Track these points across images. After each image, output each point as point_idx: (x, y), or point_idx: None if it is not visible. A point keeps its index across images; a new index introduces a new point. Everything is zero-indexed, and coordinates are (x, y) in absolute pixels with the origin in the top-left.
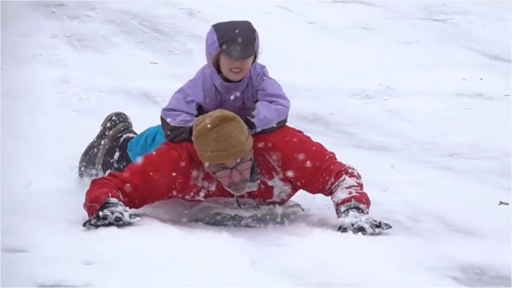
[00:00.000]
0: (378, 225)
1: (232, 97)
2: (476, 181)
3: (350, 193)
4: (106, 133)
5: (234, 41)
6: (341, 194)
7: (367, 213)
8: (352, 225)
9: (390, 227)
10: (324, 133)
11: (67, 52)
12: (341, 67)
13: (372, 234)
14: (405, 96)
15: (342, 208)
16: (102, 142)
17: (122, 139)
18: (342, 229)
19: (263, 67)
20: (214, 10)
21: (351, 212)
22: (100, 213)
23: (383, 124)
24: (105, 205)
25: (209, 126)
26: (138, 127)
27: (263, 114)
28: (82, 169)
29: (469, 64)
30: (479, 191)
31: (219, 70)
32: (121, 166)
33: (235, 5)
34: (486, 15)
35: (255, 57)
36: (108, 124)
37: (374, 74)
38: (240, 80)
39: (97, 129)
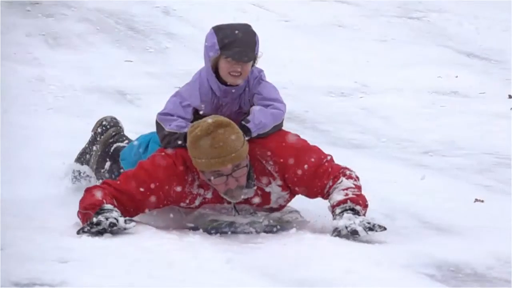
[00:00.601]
0: (372, 228)
1: (229, 101)
2: (451, 178)
3: (347, 194)
4: (98, 138)
5: (235, 44)
6: (337, 196)
7: (364, 214)
8: (346, 227)
9: (385, 229)
10: (299, 131)
11: (42, 50)
12: (316, 65)
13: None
14: (380, 93)
15: (337, 210)
16: (94, 148)
17: (112, 148)
18: (337, 232)
19: (260, 71)
20: (189, 9)
21: (345, 214)
22: (94, 219)
23: (358, 121)
24: (99, 211)
25: (204, 132)
26: None
27: (258, 118)
28: (76, 174)
29: (445, 61)
30: (455, 188)
31: (217, 73)
32: (113, 176)
33: (210, 3)
34: (462, 12)
35: (254, 61)
36: (99, 129)
37: (350, 72)
38: (238, 84)
39: (74, 127)
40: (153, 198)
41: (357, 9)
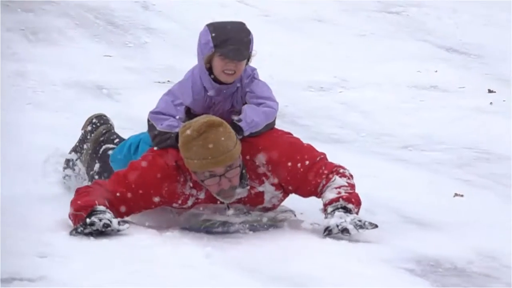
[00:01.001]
0: (362, 225)
1: (221, 99)
2: (431, 173)
3: (339, 193)
4: (88, 136)
5: (230, 42)
6: (330, 194)
7: (357, 213)
8: (337, 226)
9: (376, 226)
10: (279, 125)
11: (22, 45)
12: (296, 59)
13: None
14: (360, 88)
15: (329, 209)
16: (85, 146)
17: (101, 149)
18: (328, 231)
19: (253, 69)
20: (168, 3)
21: (336, 213)
22: (88, 220)
23: (338, 116)
24: (92, 212)
25: (195, 133)
26: None
27: (250, 117)
28: (66, 171)
29: (424, 56)
30: (434, 183)
31: (210, 71)
32: (102, 178)
33: None
34: (441, 7)
35: (247, 60)
36: (89, 128)
37: (329, 66)
38: (231, 82)
39: (53, 122)
40: (144, 199)
41: (337, 4)
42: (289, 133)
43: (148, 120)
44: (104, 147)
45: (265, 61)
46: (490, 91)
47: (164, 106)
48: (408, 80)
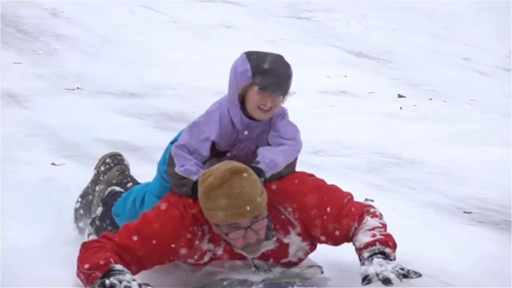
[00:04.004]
0: (406, 274)
1: (248, 137)
2: (341, 178)
3: (374, 235)
4: (101, 177)
5: (270, 73)
6: (364, 237)
7: (394, 258)
8: (377, 275)
9: (420, 275)
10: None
11: None
12: (205, 65)
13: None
14: None
15: (366, 254)
16: (97, 188)
17: (107, 192)
18: (367, 280)
19: (285, 110)
20: (77, 10)
21: (375, 259)
22: (107, 281)
23: None
24: (110, 272)
25: (218, 181)
26: (1, 128)
27: (268, 157)
28: (78, 217)
29: (334, 61)
30: (345, 188)
31: (241, 105)
32: (104, 224)
33: (99, 5)
34: (350, 12)
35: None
36: (102, 168)
37: None
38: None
39: None
40: (158, 254)
41: (245, 10)
42: (312, 175)
43: (170, 154)
44: (109, 189)
45: (174, 68)
46: (399, 96)
47: (189, 140)
48: (318, 85)
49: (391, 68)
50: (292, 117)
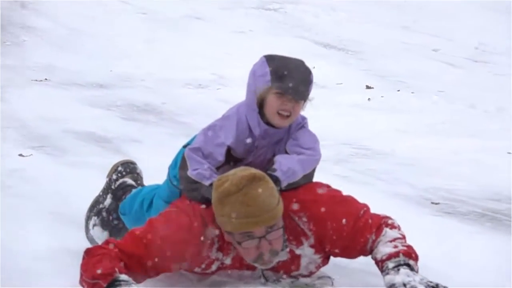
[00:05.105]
0: (435, 287)
1: (265, 144)
2: None
3: (396, 246)
4: (112, 186)
5: (290, 78)
6: (385, 249)
7: (417, 270)
8: (404, 285)
9: None
10: (157, 123)
11: None
12: (174, 57)
13: None
14: (237, 86)
15: (390, 264)
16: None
17: (118, 183)
18: None
19: (304, 118)
20: (46, 1)
21: (402, 270)
22: None
23: (216, 113)
24: (114, 283)
25: (234, 187)
26: None
27: (285, 165)
28: (90, 226)
29: (302, 52)
30: (314, 179)
31: (259, 110)
32: (110, 218)
33: None
34: (319, 4)
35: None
36: (114, 176)
37: (207, 64)
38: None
39: None
40: (164, 263)
41: (215, 2)
42: (328, 185)
43: (183, 156)
44: (121, 180)
45: (143, 59)
46: (368, 87)
47: (204, 143)
48: None
49: (360, 60)
50: None
